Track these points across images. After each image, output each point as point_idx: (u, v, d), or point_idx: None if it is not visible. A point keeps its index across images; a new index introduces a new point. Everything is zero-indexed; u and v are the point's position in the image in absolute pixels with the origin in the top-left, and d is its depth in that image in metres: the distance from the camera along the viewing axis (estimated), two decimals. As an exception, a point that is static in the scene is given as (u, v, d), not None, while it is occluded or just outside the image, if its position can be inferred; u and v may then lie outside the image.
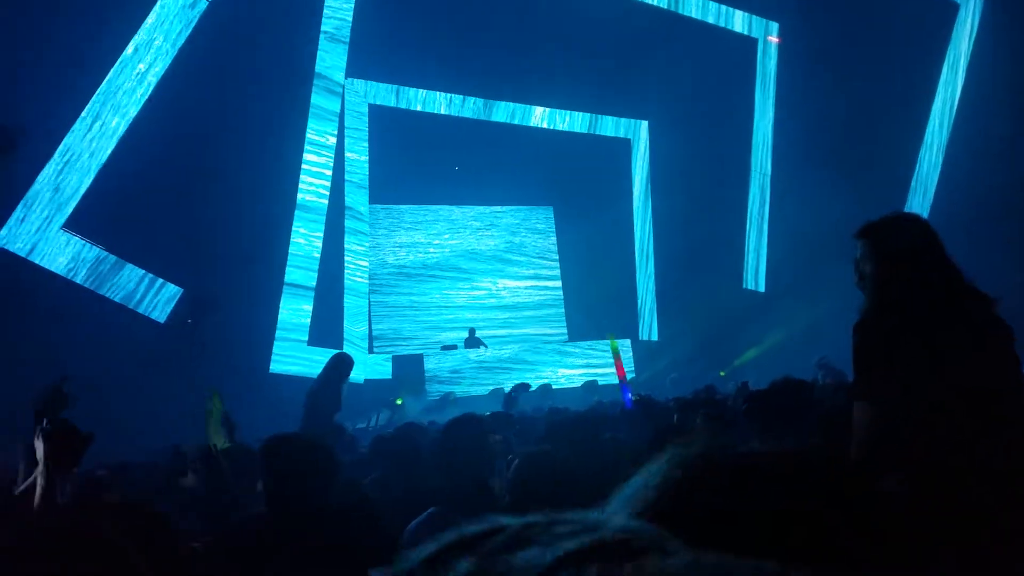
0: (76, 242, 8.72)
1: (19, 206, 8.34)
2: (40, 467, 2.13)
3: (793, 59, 14.05)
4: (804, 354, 9.60)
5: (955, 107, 13.96)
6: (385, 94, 12.79)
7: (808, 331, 11.74)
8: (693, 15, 13.89)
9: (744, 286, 14.57)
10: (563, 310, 14.98)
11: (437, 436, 4.66)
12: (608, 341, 10.59)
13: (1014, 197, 11.23)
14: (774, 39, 14.71)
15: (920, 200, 14.03)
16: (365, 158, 12.50)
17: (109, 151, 8.96)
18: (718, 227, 13.79)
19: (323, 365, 6.08)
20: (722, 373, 11.89)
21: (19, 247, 8.32)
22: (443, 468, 2.54)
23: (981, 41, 13.66)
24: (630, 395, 6.76)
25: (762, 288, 14.54)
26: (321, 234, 11.21)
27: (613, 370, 12.80)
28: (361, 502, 2.38)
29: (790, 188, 13.78)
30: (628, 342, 13.52)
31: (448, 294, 14.19)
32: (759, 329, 13.19)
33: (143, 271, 9.11)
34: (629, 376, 12.85)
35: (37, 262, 8.41)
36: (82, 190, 8.76)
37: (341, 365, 5.97)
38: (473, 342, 12.90)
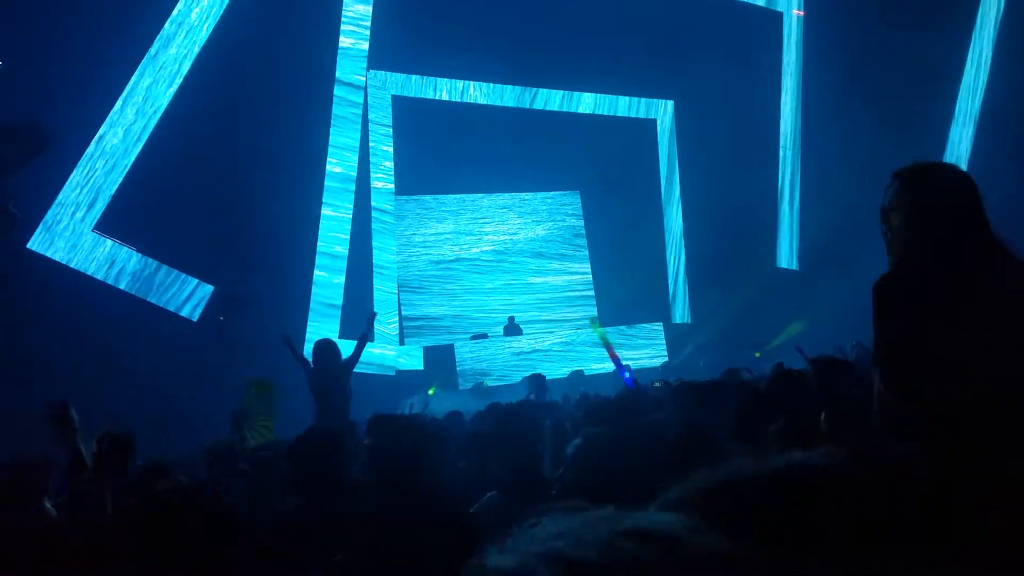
0: (107, 243, 8.85)
1: (51, 209, 8.49)
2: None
3: (819, 31, 13.63)
4: (843, 334, 9.35)
5: (987, 71, 13.42)
6: (407, 84, 12.75)
7: (846, 310, 11.44)
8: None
9: (777, 265, 14.26)
10: (593, 295, 14.84)
11: (473, 425, 4.62)
12: (593, 328, 10.48)
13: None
14: (799, 12, 14.29)
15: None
16: (390, 150, 12.49)
17: (137, 152, 9.07)
18: (749, 205, 13.48)
19: (314, 358, 5.90)
20: (758, 354, 11.66)
21: (51, 250, 8.48)
22: (493, 454, 2.51)
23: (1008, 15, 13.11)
24: (627, 375, 6.65)
25: (796, 266, 14.22)
26: (349, 227, 11.24)
27: (640, 356, 12.70)
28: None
29: (822, 162, 13.42)
30: (660, 325, 13.35)
31: (476, 283, 14.15)
32: (795, 309, 12.91)
33: (174, 270, 9.23)
34: (662, 360, 12.71)
35: (69, 264, 8.56)
36: (112, 192, 8.88)
37: (331, 351, 5.83)
38: (513, 329, 12.85)
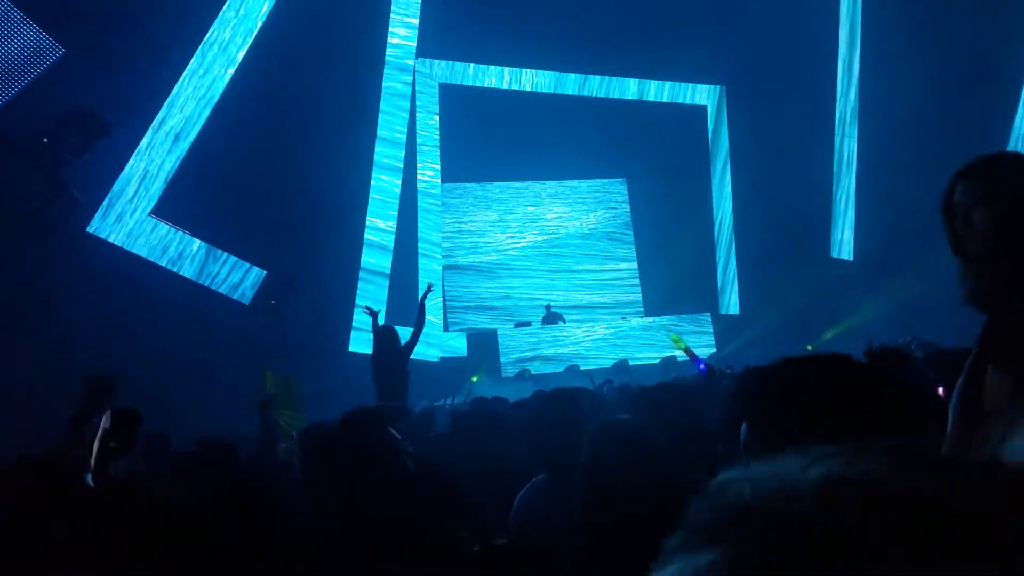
0: (164, 228, 9.10)
1: (110, 194, 8.76)
2: (96, 445, 2.18)
3: (876, 10, 13.06)
4: (898, 327, 9.03)
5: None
6: (455, 72, 12.74)
7: (902, 303, 11.05)
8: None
9: (831, 255, 13.83)
10: (639, 284, 14.67)
11: (518, 411, 4.61)
12: (672, 341, 10.44)
13: None
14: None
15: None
16: (437, 137, 12.52)
17: (193, 138, 9.28)
18: (803, 194, 13.08)
19: (375, 342, 6.07)
20: (809, 347, 11.36)
21: (110, 234, 8.75)
22: (538, 441, 2.51)
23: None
24: (703, 364, 6.68)
25: (851, 257, 13.77)
26: (396, 213, 11.33)
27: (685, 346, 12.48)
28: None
29: (879, 149, 12.92)
30: (708, 315, 13.13)
31: (521, 270, 14.12)
32: (849, 300, 12.51)
33: (228, 254, 9.45)
34: (711, 351, 12.50)
35: (127, 248, 8.83)
36: (168, 177, 9.12)
37: (387, 338, 5.95)
38: (551, 318, 12.82)
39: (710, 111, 14.61)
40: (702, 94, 14.50)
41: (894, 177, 12.16)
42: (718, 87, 14.39)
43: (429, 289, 6.70)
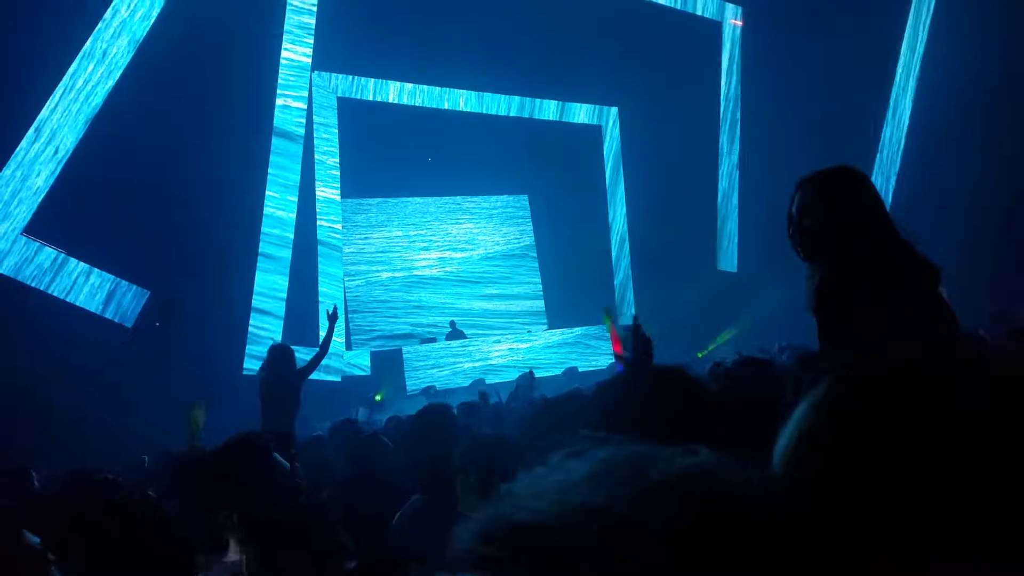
0: (37, 247, 8.48)
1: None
2: None
3: (755, 39, 14.12)
4: (781, 334, 9.72)
5: (915, 83, 14.15)
6: (354, 86, 12.62)
7: (783, 311, 11.88)
8: (660, 1, 13.89)
9: (718, 267, 14.69)
10: (542, 297, 14.98)
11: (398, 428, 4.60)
12: (604, 319, 10.68)
13: (976, 174, 11.42)
14: (736, 22, 14.79)
15: (882, 182, 14.24)
16: (336, 151, 12.33)
17: (69, 152, 8.72)
18: (691, 209, 13.86)
19: (268, 361, 5.68)
20: (700, 355, 12.00)
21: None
22: (411, 457, 2.52)
23: (938, 16, 13.86)
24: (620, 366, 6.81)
25: (735, 268, 14.68)
26: (292, 231, 11.05)
27: (587, 357, 12.91)
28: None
29: (759, 166, 13.89)
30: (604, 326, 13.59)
31: (425, 286, 14.10)
32: (734, 310, 13.32)
33: (108, 274, 8.91)
34: (608, 361, 12.93)
35: (-2, 270, 8.18)
36: (42, 193, 8.52)
37: (285, 358, 5.60)
38: (455, 334, 12.86)
39: (605, 130, 15.21)
40: (599, 115, 15.08)
41: (773, 194, 13.06)
42: (613, 108, 15.02)
43: (335, 313, 6.10)
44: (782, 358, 6.04)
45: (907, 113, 14.29)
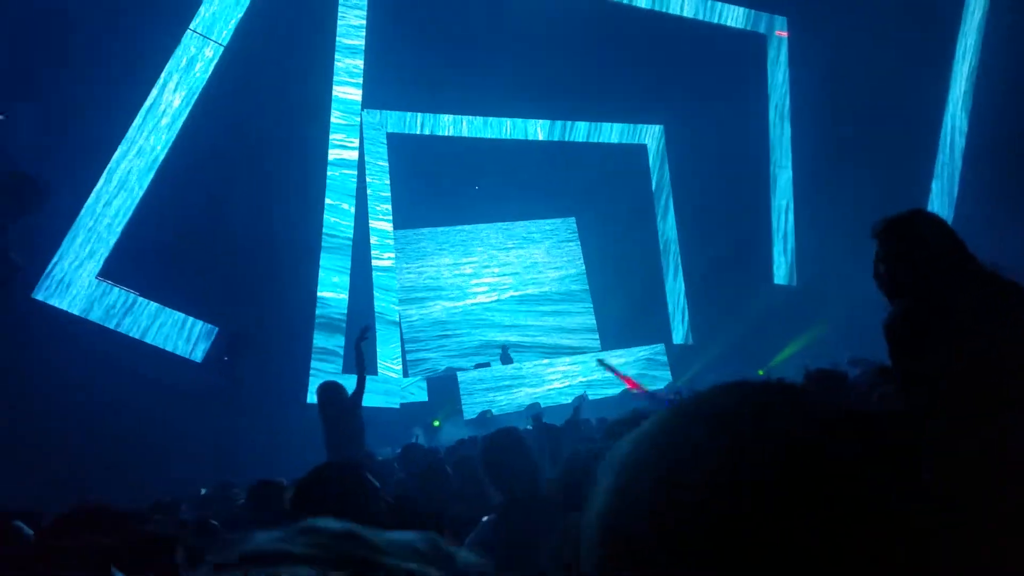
0: (111, 290, 8.94)
1: (54, 258, 8.60)
2: None
3: (803, 51, 13.92)
4: (844, 348, 9.43)
5: (972, 87, 13.68)
6: (402, 122, 12.97)
7: (846, 324, 11.51)
8: (701, 17, 13.86)
9: (775, 282, 14.36)
10: (594, 319, 14.91)
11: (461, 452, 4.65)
12: (599, 365, 10.67)
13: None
14: (782, 33, 14.61)
15: (946, 185, 13.74)
16: (387, 185, 12.66)
17: (138, 199, 9.21)
18: (743, 224, 13.64)
19: (321, 401, 5.79)
20: (760, 372, 11.69)
21: (56, 298, 8.56)
22: (488, 478, 2.56)
23: (994, 18, 13.42)
24: (666, 397, 6.69)
25: (794, 283, 14.32)
26: (349, 263, 11.34)
27: (644, 378, 12.74)
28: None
29: (814, 179, 13.60)
30: (662, 346, 13.41)
31: (479, 312, 14.22)
32: (795, 325, 12.97)
33: (179, 313, 9.31)
34: (666, 381, 12.73)
35: (75, 312, 8.64)
36: (114, 238, 9.00)
37: (333, 392, 5.70)
38: (507, 358, 12.91)
39: (650, 149, 15.16)
40: (642, 134, 15.07)
41: (829, 205, 12.79)
42: (657, 127, 14.98)
43: (364, 333, 6.19)
44: (854, 371, 5.86)
45: (964, 120, 13.81)
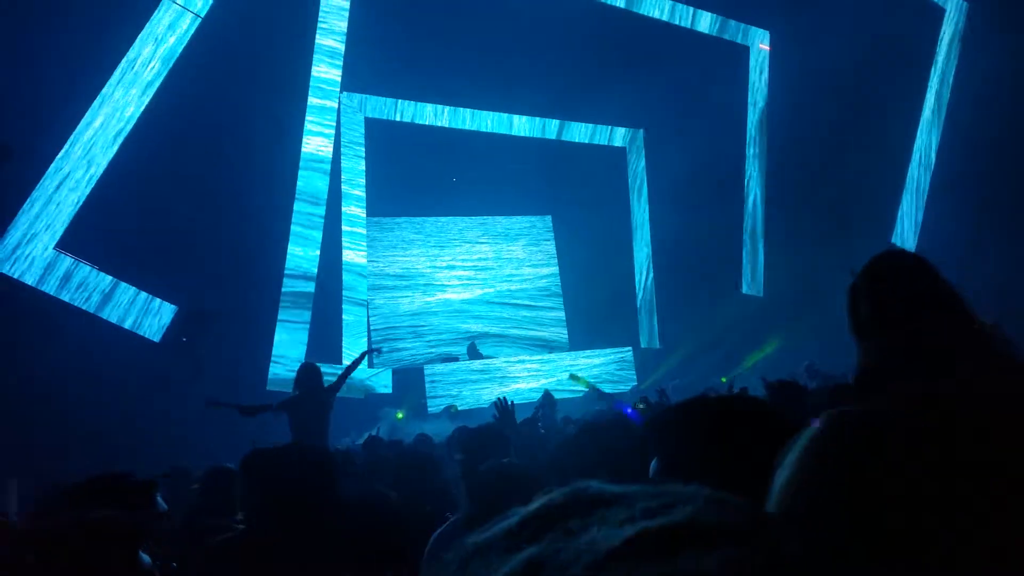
0: (69, 261, 8.64)
1: (10, 227, 8.27)
2: None
3: (784, 66, 14.08)
4: (805, 359, 9.58)
5: (943, 114, 14.01)
6: (382, 107, 12.77)
7: (810, 334, 11.69)
8: (687, 25, 13.92)
9: (743, 291, 14.52)
10: (564, 319, 14.90)
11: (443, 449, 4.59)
12: (573, 381, 10.81)
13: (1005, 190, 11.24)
14: (765, 46, 14.76)
15: (912, 207, 14.04)
16: (363, 171, 12.46)
17: (103, 169, 8.90)
18: (716, 233, 13.76)
19: (298, 379, 5.78)
20: (724, 379, 11.80)
21: (11, 268, 8.24)
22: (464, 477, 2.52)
23: (966, 45, 13.76)
24: (630, 408, 6.73)
25: (761, 293, 14.50)
26: (318, 249, 11.15)
27: (610, 380, 12.78)
28: (376, 504, 2.32)
29: (784, 194, 13.79)
30: (630, 349, 13.48)
31: (448, 305, 14.11)
32: (760, 334, 13.14)
33: (137, 289, 9.03)
34: (630, 385, 12.79)
35: (30, 283, 8.33)
36: (74, 209, 8.69)
37: (316, 373, 5.69)
38: (475, 354, 12.83)
39: (630, 152, 15.20)
40: (623, 137, 15.09)
41: (799, 218, 12.98)
42: (639, 131, 15.02)
43: (378, 350, 6.36)
44: (812, 383, 5.95)
45: (936, 135, 14.12)
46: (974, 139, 12.13)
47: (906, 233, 14.09)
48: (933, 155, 14.06)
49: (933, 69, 14.14)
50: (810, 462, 0.49)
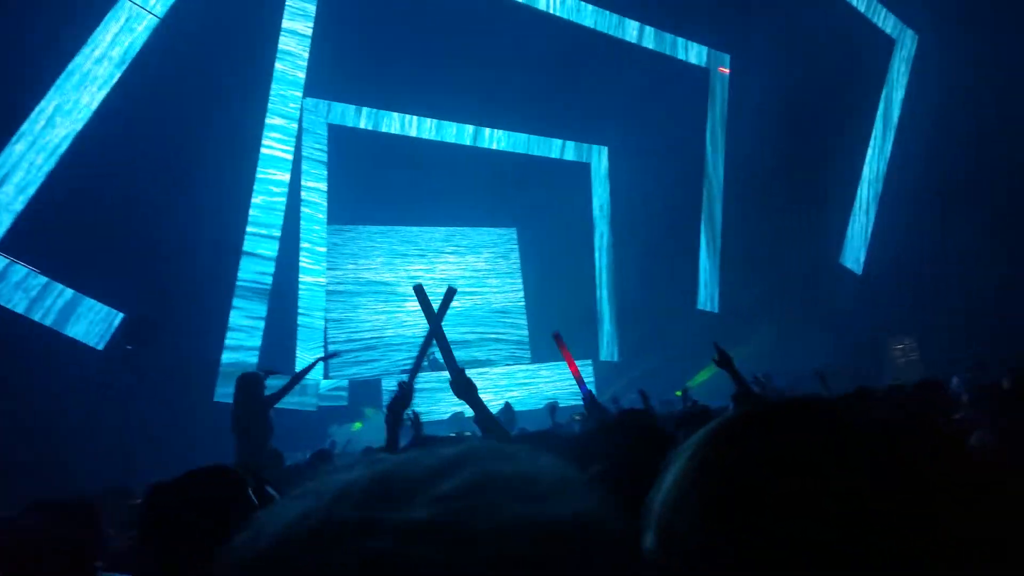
0: (8, 264, 8.28)
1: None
2: None
3: (743, 88, 14.41)
4: (756, 370, 9.72)
5: (892, 136, 14.52)
6: (345, 114, 12.63)
7: (764, 351, 11.89)
8: (651, 46, 14.13)
9: (698, 307, 14.73)
10: (527, 331, 14.89)
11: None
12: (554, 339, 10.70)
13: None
14: (724, 70, 15.09)
15: (863, 218, 14.47)
16: (324, 177, 12.28)
17: (48, 169, 8.57)
18: (673, 249, 13.97)
19: (235, 391, 5.63)
20: (678, 392, 11.91)
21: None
22: None
23: (915, 73, 14.30)
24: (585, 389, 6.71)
25: (716, 309, 14.73)
26: (274, 256, 10.92)
27: (567, 391, 12.79)
28: None
29: (741, 213, 14.07)
30: (589, 362, 13.53)
31: (408, 316, 13.96)
32: (713, 350, 13.32)
33: (81, 295, 8.70)
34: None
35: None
36: (17, 209, 8.34)
37: (252, 386, 5.54)
38: (435, 366, 12.69)
39: (594, 169, 15.34)
40: (588, 153, 15.22)
41: (755, 236, 13.24)
42: (603, 148, 15.18)
43: (334, 354, 6.18)
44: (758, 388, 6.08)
45: (887, 154, 14.60)
46: (923, 158, 12.55)
47: (856, 248, 14.50)
48: (882, 175, 14.53)
49: (883, 93, 14.63)
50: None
